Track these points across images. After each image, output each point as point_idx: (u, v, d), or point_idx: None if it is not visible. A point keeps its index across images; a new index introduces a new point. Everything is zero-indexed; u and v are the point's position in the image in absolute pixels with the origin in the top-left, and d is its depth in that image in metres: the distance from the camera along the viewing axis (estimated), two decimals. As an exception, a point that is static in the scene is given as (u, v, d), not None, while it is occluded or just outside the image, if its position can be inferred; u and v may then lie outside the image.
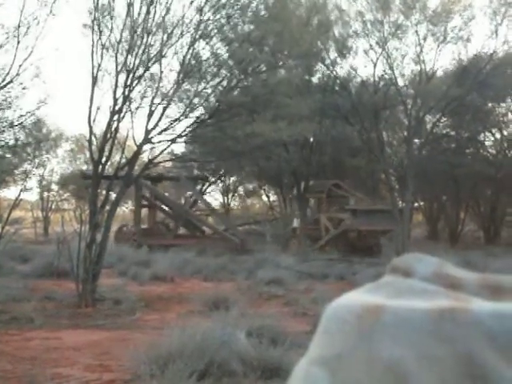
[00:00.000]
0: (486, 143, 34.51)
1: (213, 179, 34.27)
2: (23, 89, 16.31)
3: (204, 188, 34.66)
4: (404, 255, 0.67)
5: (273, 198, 38.26)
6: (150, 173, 28.80)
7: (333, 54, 24.31)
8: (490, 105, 30.54)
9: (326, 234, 25.98)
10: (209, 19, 15.60)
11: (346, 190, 27.46)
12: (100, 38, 13.44)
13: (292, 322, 9.82)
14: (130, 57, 13.71)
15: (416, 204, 34.33)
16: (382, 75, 24.82)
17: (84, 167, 37.47)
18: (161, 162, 18.95)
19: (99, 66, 13.32)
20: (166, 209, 30.39)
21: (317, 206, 28.13)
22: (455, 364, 0.54)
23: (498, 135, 33.82)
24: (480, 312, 0.56)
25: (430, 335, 0.56)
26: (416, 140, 26.45)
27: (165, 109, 14.90)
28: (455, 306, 0.57)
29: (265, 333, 7.76)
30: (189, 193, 33.71)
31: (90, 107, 13.13)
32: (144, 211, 31.03)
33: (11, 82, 14.98)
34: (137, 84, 13.98)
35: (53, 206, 42.09)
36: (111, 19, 13.65)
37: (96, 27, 13.45)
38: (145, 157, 21.24)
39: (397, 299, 0.60)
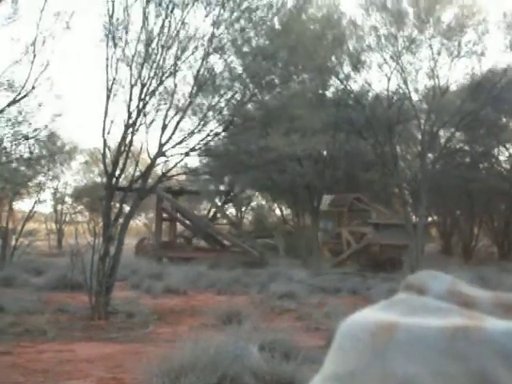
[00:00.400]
0: (500, 158, 34.40)
1: (232, 193, 34.21)
2: (39, 105, 16.39)
3: (224, 201, 34.63)
4: (418, 272, 0.68)
5: (286, 211, 38.18)
6: (171, 186, 28.92)
7: (347, 68, 24.32)
8: (504, 119, 30.44)
9: (348, 248, 25.83)
10: (222, 33, 15.67)
11: (367, 204, 27.50)
12: (115, 52, 13.53)
13: (304, 337, 9.79)
14: (144, 70, 13.80)
15: (430, 218, 34.20)
16: (396, 89, 24.82)
17: (98, 180, 37.63)
18: (174, 175, 19.00)
19: (114, 79, 13.40)
20: (187, 222, 30.39)
21: (338, 220, 28.00)
22: (468, 382, 0.54)
23: (512, 150, 33.72)
24: (493, 330, 0.56)
25: (443, 353, 0.56)
26: (430, 154, 26.39)
27: (178, 122, 14.96)
28: (469, 325, 0.57)
29: (277, 347, 7.75)
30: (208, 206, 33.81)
31: (105, 120, 13.20)
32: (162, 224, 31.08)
33: (26, 95, 15.07)
34: (151, 97, 14.05)
35: (67, 219, 42.23)
36: (126, 33, 13.74)
37: (111, 41, 13.54)
38: (158, 170, 21.31)
39: (410, 317, 0.60)
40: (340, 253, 26.00)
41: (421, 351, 0.56)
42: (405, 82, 24.25)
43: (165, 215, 29.81)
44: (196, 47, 15.06)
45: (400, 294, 0.65)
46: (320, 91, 24.31)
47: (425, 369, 0.55)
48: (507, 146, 33.07)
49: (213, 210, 33.04)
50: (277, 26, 18.24)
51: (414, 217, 25.73)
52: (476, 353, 0.55)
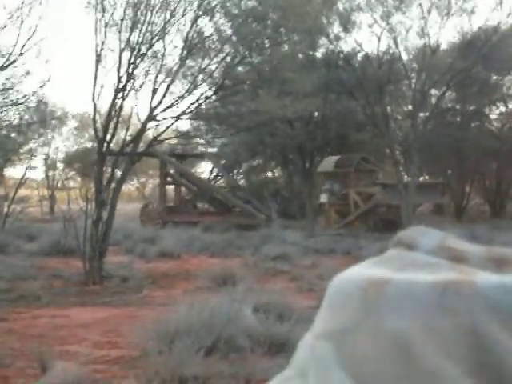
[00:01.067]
0: (491, 117, 34.42)
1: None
2: (26, 73, 16.28)
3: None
4: (408, 229, 0.67)
5: (278, 173, 38.13)
6: (174, 149, 28.66)
7: (337, 29, 24.18)
8: (495, 78, 30.38)
9: (356, 209, 25.56)
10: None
11: (374, 164, 27.22)
12: (103, 16, 13.40)
13: (298, 298, 9.85)
14: (133, 34, 13.69)
15: (421, 178, 34.21)
16: (387, 49, 24.70)
17: (89, 145, 37.57)
18: (166, 139, 18.94)
19: (103, 44, 13.30)
20: (192, 186, 30.16)
21: (344, 181, 27.30)
22: (459, 336, 0.54)
23: (503, 108, 33.73)
24: (484, 285, 0.56)
25: (433, 308, 0.56)
26: (421, 114, 26.35)
27: (169, 86, 14.89)
28: (459, 279, 0.57)
29: (271, 308, 7.80)
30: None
31: (94, 85, 13.14)
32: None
33: (14, 61, 14.96)
34: (140, 61, 13.96)
35: (58, 185, 42.19)
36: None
37: (99, 5, 13.41)
38: (150, 134, 21.26)
39: (401, 272, 0.60)
40: (347, 214, 25.69)
41: (411, 306, 0.56)
42: (395, 42, 24.13)
43: (169, 179, 29.63)
44: (185, 10, 14.93)
45: (391, 251, 0.65)
46: (310, 52, 24.18)
47: (415, 324, 0.56)
48: (498, 104, 33.07)
49: (213, 173, 32.71)
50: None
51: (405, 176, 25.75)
52: (467, 307, 0.56)
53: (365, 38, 24.69)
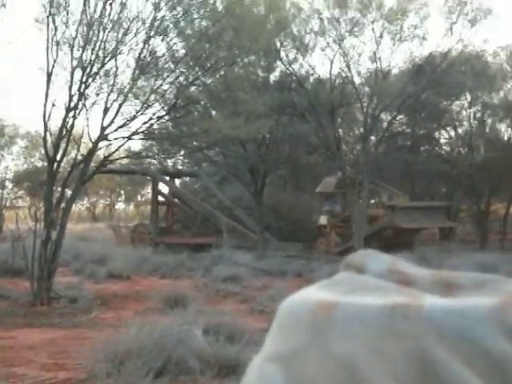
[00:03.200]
0: (441, 141, 34.94)
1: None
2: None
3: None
4: (358, 252, 0.68)
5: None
6: (168, 168, 28.11)
7: (290, 52, 24.36)
8: (444, 103, 30.86)
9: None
10: (165, 15, 15.54)
11: (378, 185, 26.42)
12: (55, 34, 13.30)
13: (249, 319, 9.83)
14: (85, 53, 13.61)
15: (373, 201, 34.40)
16: (339, 73, 24.96)
17: (39, 164, 37.14)
18: (117, 159, 18.80)
19: (54, 61, 13.19)
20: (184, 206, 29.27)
21: (345, 202, 26.37)
22: (407, 360, 0.54)
23: (452, 133, 34.25)
24: (431, 308, 0.57)
25: (382, 331, 0.56)
26: (372, 137, 26.62)
27: (120, 105, 14.81)
28: (407, 303, 0.57)
29: (222, 330, 7.76)
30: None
31: (45, 104, 13.00)
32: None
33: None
34: (92, 80, 13.87)
35: (7, 204, 41.56)
36: (67, 14, 13.52)
37: (51, 23, 13.31)
38: (101, 154, 21.08)
39: (350, 296, 0.60)
40: (350, 237, 24.15)
41: (360, 330, 0.56)
42: (347, 66, 24.41)
43: (161, 199, 28.96)
44: (138, 29, 14.90)
45: (340, 273, 0.65)
46: (264, 74, 24.31)
47: (363, 347, 0.55)
48: (447, 128, 33.59)
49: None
50: (220, 9, 18.14)
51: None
52: (414, 331, 0.56)
53: (318, 61, 24.96)
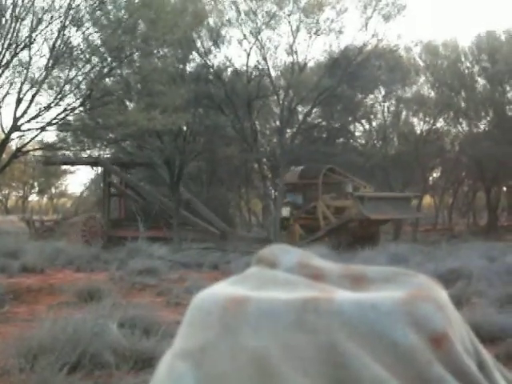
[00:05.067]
0: (356, 133, 35.48)
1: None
2: None
3: None
4: (270, 246, 0.68)
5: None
6: (120, 158, 27.01)
7: (207, 43, 24.31)
8: (359, 96, 31.32)
9: (327, 224, 23.72)
10: (80, 5, 15.30)
11: (343, 175, 25.58)
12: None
13: (165, 312, 9.77)
14: (-3, 41, 13.30)
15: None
16: (256, 65, 25.04)
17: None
18: (30, 150, 18.45)
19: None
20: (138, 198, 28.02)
21: (309, 193, 25.20)
22: (317, 353, 0.55)
23: (367, 126, 34.83)
24: (342, 302, 0.57)
25: (292, 326, 0.56)
26: (288, 130, 26.80)
27: (34, 96, 14.52)
28: (318, 297, 0.58)
29: (137, 323, 7.70)
30: None
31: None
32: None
33: None
34: (4, 70, 13.55)
35: None
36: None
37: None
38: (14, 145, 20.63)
39: (261, 290, 0.60)
40: (315, 229, 23.69)
41: (270, 324, 0.57)
42: (264, 58, 24.50)
43: (113, 190, 27.79)
44: (52, 19, 14.63)
45: (252, 268, 0.66)
46: (180, 66, 24.17)
47: (274, 342, 0.56)
48: (362, 121, 34.13)
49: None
50: (136, -1, 17.97)
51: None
52: (325, 325, 0.56)
53: (235, 54, 25.00)
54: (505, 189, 38.67)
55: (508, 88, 32.46)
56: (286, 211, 24.99)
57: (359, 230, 23.03)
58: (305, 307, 0.57)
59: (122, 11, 17.29)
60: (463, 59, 33.62)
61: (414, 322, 0.58)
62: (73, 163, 30.46)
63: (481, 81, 33.24)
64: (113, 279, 14.49)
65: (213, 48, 24.51)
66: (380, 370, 0.55)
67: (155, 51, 19.39)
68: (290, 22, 23.93)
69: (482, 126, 34.98)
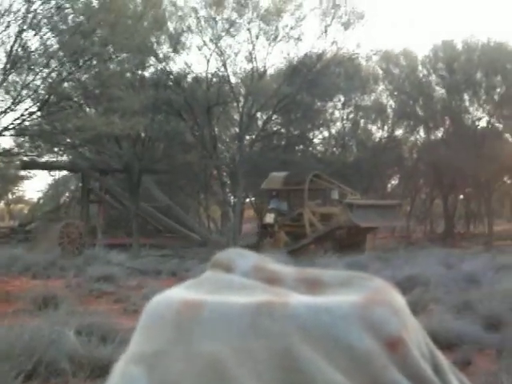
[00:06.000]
0: (315, 141, 35.68)
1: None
2: None
3: None
4: (225, 250, 0.67)
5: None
6: (98, 163, 26.45)
7: (166, 49, 24.28)
8: (318, 103, 31.52)
9: (313, 231, 23.09)
10: (37, 9, 15.19)
11: (329, 182, 24.96)
12: None
13: (123, 319, 9.71)
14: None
15: (247, 199, 34.54)
16: (215, 72, 25.06)
17: None
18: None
19: None
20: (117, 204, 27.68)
21: (294, 200, 24.99)
22: (271, 357, 0.54)
23: (326, 133, 35.06)
24: (297, 306, 0.57)
25: (247, 330, 0.56)
26: (248, 136, 26.88)
27: (-10, 100, 14.38)
28: (273, 301, 0.57)
29: (94, 331, 7.64)
30: None
31: None
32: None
33: None
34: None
35: None
36: None
37: None
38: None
39: (216, 295, 0.59)
40: (301, 236, 23.10)
41: (225, 329, 0.56)
42: (224, 65, 24.55)
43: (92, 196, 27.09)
44: (9, 22, 14.49)
45: (207, 272, 0.65)
46: (139, 71, 24.09)
47: (229, 346, 0.55)
48: (321, 129, 34.37)
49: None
50: (95, 3, 17.87)
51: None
52: (280, 329, 0.56)
53: (194, 60, 25.03)
54: (462, 196, 39.14)
55: (465, 96, 32.90)
56: (269, 218, 24.50)
57: (346, 237, 22.70)
58: (259, 311, 0.56)
59: (81, 17, 17.20)
60: (420, 68, 34.05)
61: (369, 326, 0.57)
62: (47, 167, 29.59)
63: (439, 89, 33.65)
64: (70, 286, 14.38)
65: (172, 54, 24.50)
66: (335, 374, 0.55)
67: (114, 56, 19.29)
68: (249, 30, 24.04)
69: (439, 134, 35.44)
